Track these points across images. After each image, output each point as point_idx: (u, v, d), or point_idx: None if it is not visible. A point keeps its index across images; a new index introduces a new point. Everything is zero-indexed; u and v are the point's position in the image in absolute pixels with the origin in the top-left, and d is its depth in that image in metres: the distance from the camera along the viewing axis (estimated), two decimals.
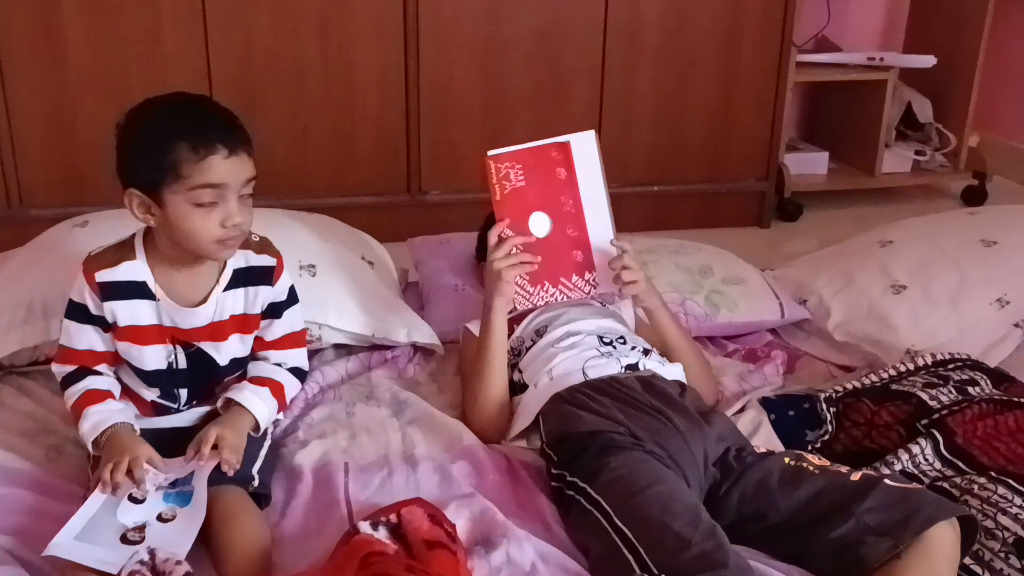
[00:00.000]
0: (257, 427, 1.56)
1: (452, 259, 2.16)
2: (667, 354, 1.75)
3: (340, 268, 1.96)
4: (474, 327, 1.84)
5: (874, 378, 1.79)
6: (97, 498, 1.38)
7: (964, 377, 1.74)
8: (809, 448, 1.66)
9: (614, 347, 1.69)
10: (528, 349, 1.75)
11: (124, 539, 1.32)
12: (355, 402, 1.76)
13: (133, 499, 1.38)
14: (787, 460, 1.46)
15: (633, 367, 1.65)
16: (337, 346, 1.94)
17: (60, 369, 1.55)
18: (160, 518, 1.36)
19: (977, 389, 1.71)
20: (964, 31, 3.57)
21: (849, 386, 1.77)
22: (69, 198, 2.86)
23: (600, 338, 1.71)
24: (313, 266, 1.92)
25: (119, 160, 1.47)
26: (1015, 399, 1.66)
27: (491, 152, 1.69)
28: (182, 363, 1.55)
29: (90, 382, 1.53)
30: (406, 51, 2.96)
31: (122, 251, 1.53)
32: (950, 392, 1.68)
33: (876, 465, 1.56)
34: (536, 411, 1.63)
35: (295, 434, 1.67)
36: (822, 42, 3.73)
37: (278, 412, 1.63)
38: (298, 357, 1.65)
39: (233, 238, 1.46)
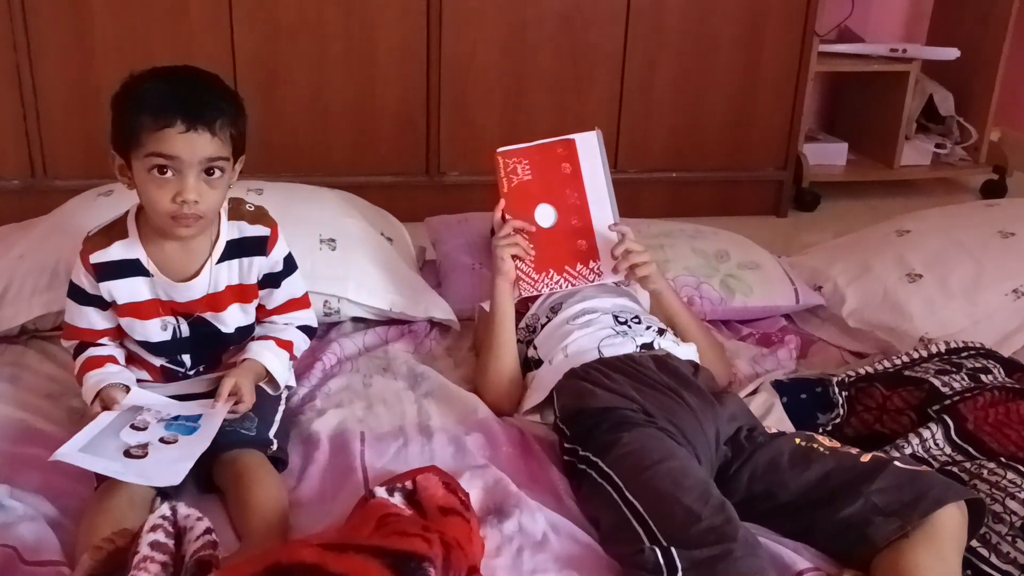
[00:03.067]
0: (270, 377, 1.58)
1: (470, 237, 2.18)
2: (679, 335, 1.77)
3: (360, 243, 1.99)
4: (487, 306, 1.87)
5: (887, 364, 1.80)
6: (103, 418, 1.44)
7: (977, 365, 1.75)
8: (820, 431, 1.68)
9: (629, 326, 1.71)
10: (543, 326, 1.78)
11: (127, 454, 1.38)
12: (372, 374, 1.78)
13: (136, 427, 1.44)
14: (798, 440, 1.47)
15: (648, 346, 1.67)
16: (355, 319, 1.97)
17: (67, 344, 1.60)
18: (162, 441, 1.42)
19: (990, 377, 1.72)
20: (988, 24, 3.56)
21: (862, 371, 1.78)
22: (92, 169, 2.87)
23: (615, 317, 1.73)
24: (333, 240, 1.95)
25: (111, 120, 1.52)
26: None
27: (500, 149, 1.80)
28: (184, 332, 1.58)
29: (90, 352, 1.57)
30: (428, 30, 2.98)
31: (114, 231, 1.56)
32: (963, 379, 1.69)
33: (886, 448, 1.57)
34: (550, 387, 1.65)
35: (312, 403, 1.70)
36: (844, 32, 3.72)
37: (290, 361, 1.64)
38: (304, 317, 1.67)
39: (187, 217, 1.46)
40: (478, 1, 2.98)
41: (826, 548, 1.35)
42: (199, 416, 1.48)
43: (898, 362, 1.80)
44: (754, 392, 1.79)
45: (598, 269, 1.78)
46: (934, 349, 1.82)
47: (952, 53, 3.50)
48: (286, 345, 1.62)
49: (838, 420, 1.69)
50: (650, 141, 3.22)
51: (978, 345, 1.84)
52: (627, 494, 1.35)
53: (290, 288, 1.64)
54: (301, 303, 1.66)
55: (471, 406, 1.67)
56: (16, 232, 2.02)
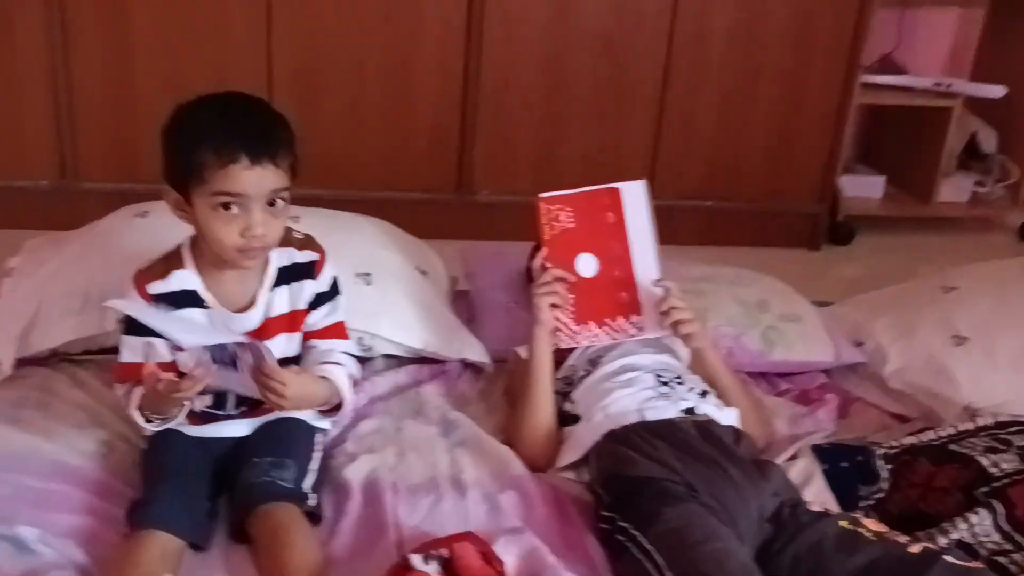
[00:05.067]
0: (336, 398, 1.56)
1: (505, 273, 2.15)
2: (720, 395, 1.73)
3: (395, 278, 1.96)
4: (523, 351, 1.85)
5: (932, 435, 1.77)
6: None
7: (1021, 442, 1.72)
8: (861, 504, 1.65)
9: (671, 387, 1.68)
10: (581, 379, 1.74)
11: None
12: (404, 417, 1.76)
13: None
14: (843, 523, 1.44)
15: (690, 411, 1.63)
16: (387, 356, 1.94)
17: (121, 389, 1.54)
18: None
19: None
20: None
21: (906, 442, 1.75)
22: (122, 173, 2.88)
23: (657, 376, 1.70)
24: (368, 274, 1.92)
25: (162, 155, 1.50)
26: None
27: (542, 195, 1.76)
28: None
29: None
30: (468, 48, 2.95)
31: (171, 261, 1.55)
32: (1012, 459, 1.66)
33: (932, 532, 1.54)
34: (588, 446, 1.63)
35: (343, 446, 1.68)
36: (887, 63, 3.66)
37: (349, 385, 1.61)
38: (347, 346, 1.65)
39: (254, 249, 1.47)
40: (520, 19, 2.95)
41: None
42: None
43: (943, 434, 1.77)
44: (793, 457, 1.75)
45: (640, 323, 1.75)
46: (981, 422, 1.79)
47: (998, 91, 3.44)
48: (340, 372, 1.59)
49: (881, 495, 1.66)
50: (687, 168, 3.19)
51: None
52: (669, 574, 1.32)
53: (332, 308, 1.63)
54: (340, 330, 1.64)
55: (505, 460, 1.64)
56: (48, 247, 2.00)
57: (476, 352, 1.92)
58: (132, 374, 1.51)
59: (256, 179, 1.42)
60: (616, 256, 1.76)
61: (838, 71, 3.17)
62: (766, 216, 3.33)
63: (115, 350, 1.78)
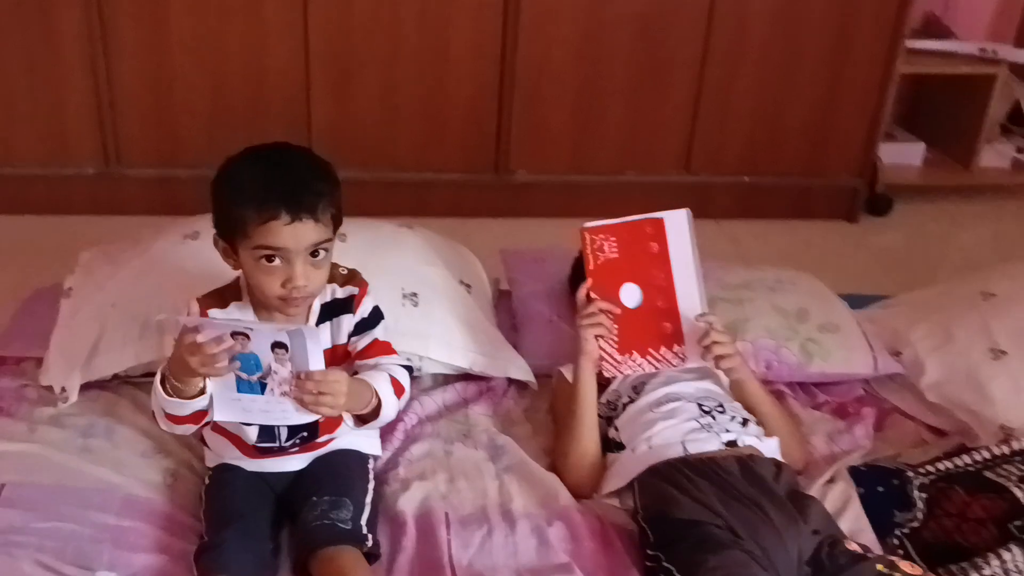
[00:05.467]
0: (378, 404, 1.58)
1: (547, 283, 2.18)
2: (760, 422, 1.78)
3: (441, 296, 2.00)
4: (567, 371, 1.89)
5: (967, 460, 1.81)
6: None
7: None
8: (896, 532, 1.70)
9: (714, 418, 1.73)
10: (625, 406, 1.79)
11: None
12: (453, 440, 1.82)
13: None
14: (880, 567, 1.49)
15: (732, 443, 1.68)
16: (433, 373, 2.00)
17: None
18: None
19: None
20: None
21: (941, 468, 1.79)
22: (165, 159, 2.92)
23: (700, 406, 1.74)
24: (415, 295, 1.96)
25: (211, 205, 1.56)
26: None
27: (587, 224, 1.79)
28: None
29: None
30: (504, 28, 2.93)
31: (230, 292, 1.62)
32: None
33: (965, 567, 1.59)
34: (632, 475, 1.69)
35: (396, 471, 1.74)
36: (931, 24, 3.59)
37: (398, 396, 1.64)
38: (395, 360, 1.68)
39: (296, 299, 1.52)
40: (555, 1, 2.91)
41: None
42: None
43: (979, 459, 1.81)
44: (831, 480, 1.80)
45: (682, 353, 1.78)
46: (1016, 446, 1.82)
47: None
48: (396, 383, 1.62)
49: (916, 524, 1.71)
50: (725, 144, 3.19)
51: None
52: None
53: (375, 332, 1.67)
54: (386, 347, 1.68)
55: (552, 490, 1.70)
56: (103, 265, 2.04)
57: (521, 371, 1.97)
58: None
59: (296, 234, 1.47)
60: (659, 286, 1.79)
61: (882, 40, 3.13)
62: (804, 190, 3.32)
63: None
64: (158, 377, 1.51)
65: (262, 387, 1.45)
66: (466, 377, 1.99)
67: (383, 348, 1.65)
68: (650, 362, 1.79)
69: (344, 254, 1.70)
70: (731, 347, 1.76)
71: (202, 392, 1.48)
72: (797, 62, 3.09)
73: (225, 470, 1.64)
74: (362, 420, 1.60)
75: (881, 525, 1.72)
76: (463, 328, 1.98)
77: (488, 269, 2.32)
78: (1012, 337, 2.06)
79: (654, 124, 3.11)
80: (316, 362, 1.43)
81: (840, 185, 3.33)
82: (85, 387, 1.85)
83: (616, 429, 1.78)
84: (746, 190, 3.26)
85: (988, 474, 1.76)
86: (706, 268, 1.82)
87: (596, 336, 1.76)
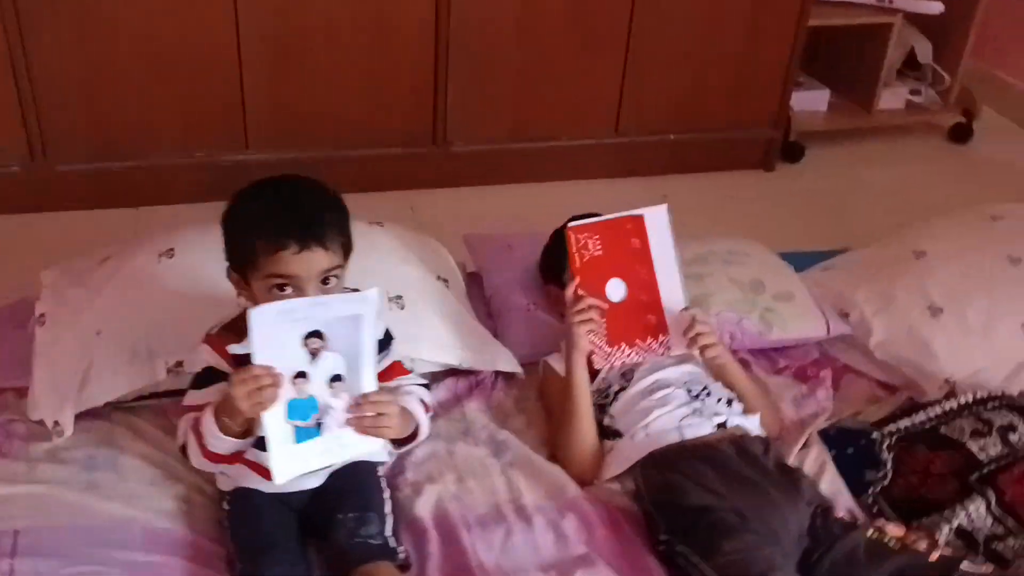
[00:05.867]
0: (416, 427, 1.63)
1: (519, 271, 2.21)
2: (741, 400, 1.88)
3: (424, 296, 2.02)
4: (555, 362, 1.96)
5: (923, 417, 1.96)
6: (271, 420, 1.43)
7: (1004, 423, 1.92)
8: (870, 491, 1.84)
9: (703, 401, 1.82)
10: (616, 394, 1.87)
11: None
12: (454, 439, 1.86)
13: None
14: (870, 533, 1.63)
15: (723, 425, 1.78)
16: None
17: (184, 425, 1.60)
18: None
19: (1015, 435, 1.90)
20: None
21: (902, 426, 1.94)
22: (96, 151, 2.79)
23: (688, 390, 1.84)
24: (400, 297, 1.97)
25: (223, 239, 1.57)
26: None
27: (571, 224, 1.85)
28: None
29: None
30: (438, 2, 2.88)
31: (243, 324, 1.57)
32: (996, 443, 1.87)
33: (935, 518, 1.75)
34: (632, 461, 1.77)
35: (404, 475, 1.78)
36: None
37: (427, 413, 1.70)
38: (411, 378, 1.73)
39: None
40: None
41: None
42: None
43: (933, 415, 1.96)
44: (805, 446, 1.93)
45: (667, 343, 1.87)
46: (963, 400, 1.99)
47: (936, 7, 3.53)
48: (424, 404, 1.67)
49: (886, 481, 1.85)
50: (652, 105, 3.26)
51: (1000, 395, 2.01)
52: None
53: (388, 355, 1.69)
54: (401, 368, 1.71)
55: (559, 482, 1.77)
56: (71, 286, 1.96)
57: (508, 363, 2.02)
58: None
59: (305, 263, 1.48)
60: (642, 280, 1.87)
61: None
62: (726, 143, 3.43)
63: (166, 395, 1.85)
64: (208, 414, 1.50)
65: (318, 426, 1.46)
66: (453, 373, 2.02)
67: (400, 369, 1.67)
68: (637, 352, 1.86)
69: None
70: (714, 336, 1.85)
71: (249, 432, 1.49)
72: (718, 21, 3.15)
73: (244, 495, 1.64)
74: (401, 443, 1.62)
75: (855, 484, 1.86)
76: (449, 326, 2.00)
77: (448, 248, 2.33)
78: (946, 295, 2.22)
79: (586, 89, 3.13)
80: (370, 382, 1.45)
81: (758, 136, 3.45)
82: (76, 417, 1.80)
83: (611, 417, 1.85)
84: (672, 147, 3.34)
85: (944, 430, 1.93)
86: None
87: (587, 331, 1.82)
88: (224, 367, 1.55)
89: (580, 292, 1.83)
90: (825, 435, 1.97)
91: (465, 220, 2.93)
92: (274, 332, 1.39)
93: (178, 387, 1.83)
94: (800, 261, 2.48)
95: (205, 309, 1.83)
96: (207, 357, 1.57)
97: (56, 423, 1.77)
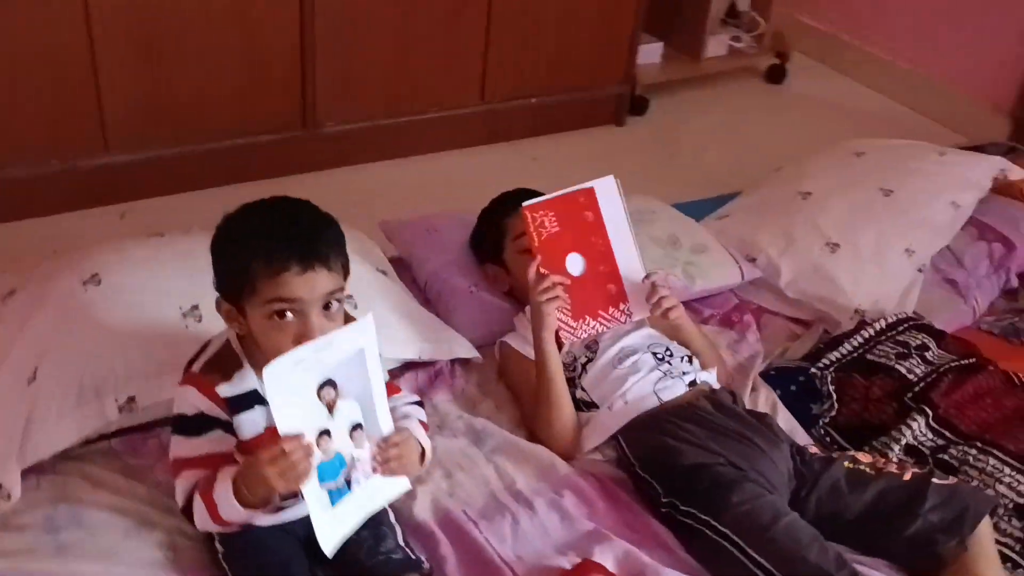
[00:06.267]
0: (423, 451, 1.53)
1: (451, 253, 2.15)
2: (695, 355, 1.92)
3: (373, 292, 1.92)
4: (513, 342, 1.93)
5: (848, 347, 2.09)
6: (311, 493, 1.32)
7: (917, 343, 2.09)
8: (819, 423, 1.95)
9: (669, 363, 1.85)
10: (584, 366, 1.87)
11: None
12: (432, 435, 1.79)
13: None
14: (847, 464, 1.73)
15: (692, 383, 1.83)
16: None
17: (184, 484, 1.44)
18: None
19: (930, 353, 2.07)
20: None
21: (833, 358, 2.06)
22: None
23: (654, 354, 1.86)
24: (351, 296, 1.85)
25: (213, 266, 1.43)
26: (962, 362, 2.03)
27: (526, 203, 1.81)
28: None
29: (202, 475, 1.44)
30: None
31: (229, 360, 1.45)
32: (917, 363, 2.02)
33: (885, 440, 1.87)
34: (612, 430, 1.79)
35: None
36: None
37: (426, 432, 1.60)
38: (403, 397, 1.63)
39: None
40: None
41: (896, 562, 1.64)
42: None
43: (856, 343, 2.09)
44: (753, 389, 2.01)
45: (628, 310, 1.87)
46: (878, 326, 2.13)
47: None
48: (424, 425, 1.58)
49: (833, 412, 1.96)
50: (514, 71, 3.22)
51: (904, 316, 2.17)
52: (752, 554, 1.54)
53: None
54: (392, 387, 1.62)
55: (546, 461, 1.75)
56: None
57: (465, 349, 1.96)
58: (201, 464, 1.43)
59: (309, 283, 1.36)
60: (599, 251, 1.86)
61: None
62: (582, 102, 3.45)
63: (115, 434, 1.67)
64: (225, 485, 1.36)
65: (347, 483, 1.36)
66: (411, 366, 1.94)
67: (392, 389, 1.59)
68: (601, 323, 1.86)
69: None
70: (674, 299, 1.87)
71: (269, 500, 1.38)
72: None
73: (239, 534, 1.51)
74: None
75: (804, 419, 1.97)
76: (402, 319, 1.92)
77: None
78: (838, 230, 2.36)
79: (452, 60, 3.06)
80: (387, 422, 1.37)
81: (610, 93, 3.50)
82: (22, 475, 1.58)
83: (583, 390, 1.85)
84: (534, 110, 3.33)
85: (871, 357, 2.06)
86: None
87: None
88: (216, 412, 1.41)
89: (543, 270, 1.81)
90: (766, 376, 2.06)
91: (345, 203, 2.82)
92: (290, 387, 1.27)
93: (130, 424, 1.67)
94: (689, 211, 2.56)
95: (150, 337, 1.68)
96: (195, 401, 1.41)
97: (0, 486, 1.55)
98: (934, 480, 1.68)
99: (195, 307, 1.71)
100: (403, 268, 2.20)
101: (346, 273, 1.45)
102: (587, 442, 1.81)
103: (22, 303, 1.72)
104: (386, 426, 1.39)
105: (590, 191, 1.86)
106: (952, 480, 1.72)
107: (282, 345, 1.37)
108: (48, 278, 1.75)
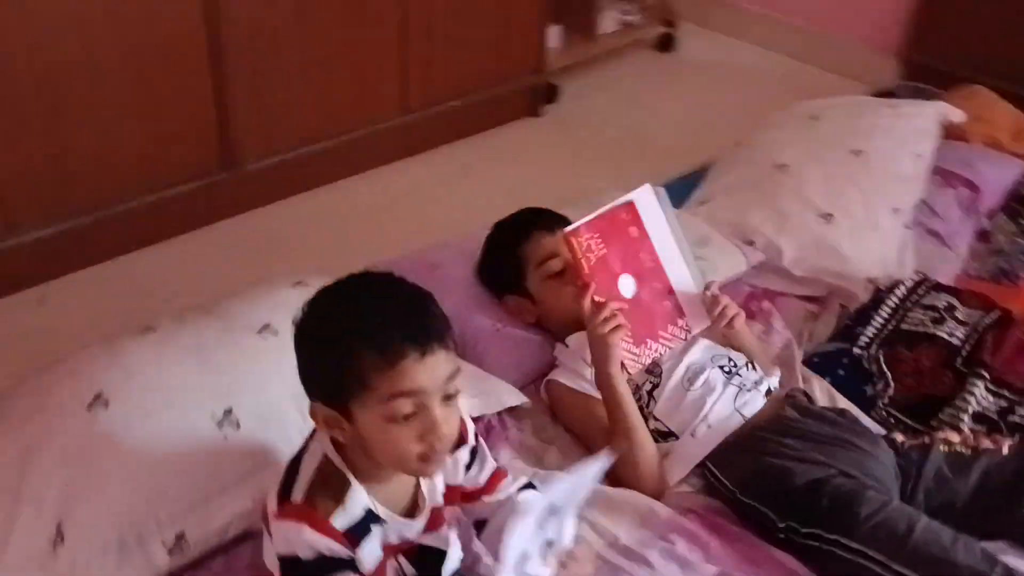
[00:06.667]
0: None
1: (462, 291, 1.91)
2: (755, 359, 1.79)
3: None
4: (562, 378, 1.75)
5: (880, 321, 2.00)
6: None
7: (944, 304, 2.02)
8: (878, 404, 1.86)
9: (739, 375, 1.71)
10: (650, 393, 1.70)
11: None
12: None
13: None
14: (943, 448, 1.64)
15: (768, 392, 1.69)
16: None
17: None
18: None
19: (959, 312, 2.00)
20: None
21: (870, 335, 1.97)
22: None
23: (720, 368, 1.71)
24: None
25: (300, 367, 1.18)
26: (992, 316, 1.98)
27: (568, 228, 1.63)
28: (409, 570, 1.29)
29: None
30: (206, 12, 2.36)
31: (334, 481, 1.20)
32: (954, 325, 1.96)
33: (952, 413, 1.79)
34: (698, 459, 1.63)
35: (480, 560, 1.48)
36: None
37: None
38: (517, 482, 1.42)
39: (439, 452, 1.19)
40: None
41: (1018, 541, 1.56)
42: None
43: (886, 315, 2.01)
44: (805, 382, 1.90)
45: (686, 325, 1.72)
46: (900, 294, 2.06)
47: None
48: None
49: (890, 390, 1.87)
50: (434, 77, 2.98)
51: (920, 278, 2.12)
52: (897, 567, 1.41)
53: (485, 457, 1.39)
54: (502, 471, 1.41)
55: (643, 507, 1.57)
56: None
57: (514, 396, 1.75)
58: None
59: (430, 370, 1.14)
60: (649, 268, 1.70)
61: None
62: (499, 99, 3.25)
63: None
64: None
65: None
66: None
67: (501, 474, 1.38)
68: (663, 344, 1.70)
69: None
70: (735, 308, 1.73)
71: None
72: None
73: None
74: None
75: (861, 403, 1.86)
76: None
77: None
78: (826, 199, 2.28)
79: (370, 74, 2.80)
80: (569, 530, 1.18)
81: (525, 84, 3.32)
82: None
83: (656, 419, 1.68)
84: (455, 114, 3.10)
85: (905, 327, 1.99)
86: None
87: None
88: (338, 550, 1.15)
89: (596, 299, 1.62)
90: (810, 364, 1.95)
91: (282, 240, 2.58)
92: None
93: (182, 563, 1.38)
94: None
95: (185, 459, 1.40)
96: (313, 542, 1.14)
97: None
98: None
99: (228, 412, 1.43)
100: None
101: (458, 349, 1.22)
102: (672, 475, 1.65)
103: (18, 442, 1.38)
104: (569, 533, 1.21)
105: (630, 205, 1.68)
106: None
107: (404, 447, 1.15)
108: (39, 409, 1.41)
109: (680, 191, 2.51)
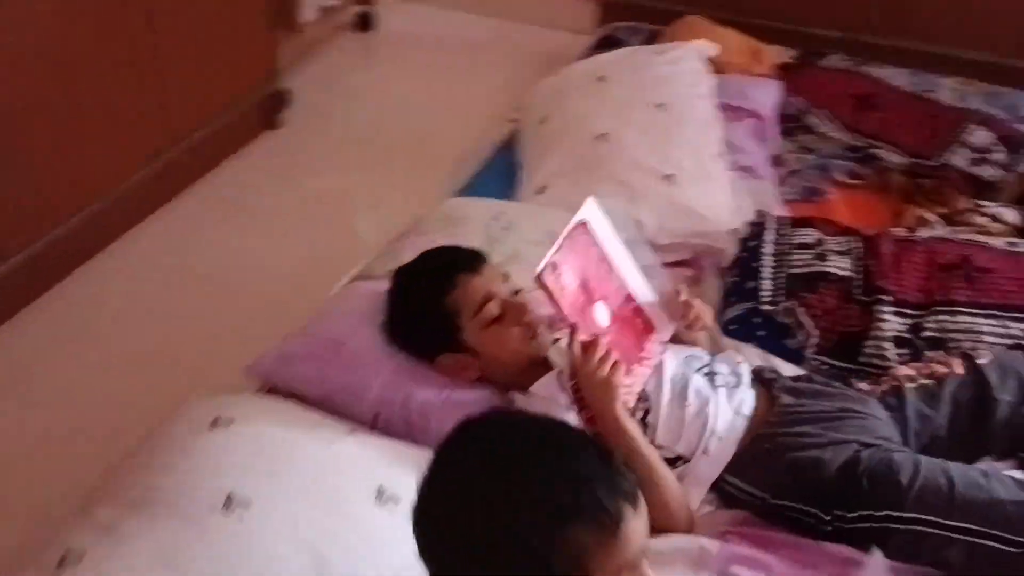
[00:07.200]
0: None
1: (387, 367, 1.55)
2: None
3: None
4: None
5: (768, 271, 1.95)
6: None
7: (811, 239, 2.02)
8: (805, 355, 1.81)
9: (718, 373, 1.57)
10: (643, 420, 1.50)
11: None
12: None
13: None
14: (910, 386, 1.61)
15: (749, 384, 1.57)
16: None
17: None
18: None
19: (821, 247, 1.99)
20: None
21: (767, 287, 1.91)
22: None
23: (699, 370, 1.56)
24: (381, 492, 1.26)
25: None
26: (853, 239, 2.01)
27: (538, 268, 1.38)
28: None
29: None
30: None
31: None
32: (835, 257, 1.96)
33: (874, 344, 1.80)
34: (715, 476, 1.49)
35: None
36: None
37: None
38: None
39: None
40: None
41: (1003, 458, 1.58)
42: None
43: (769, 264, 1.97)
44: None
45: (659, 337, 1.55)
46: (770, 238, 2.03)
47: None
48: None
49: (816, 340, 1.83)
50: (171, 117, 2.45)
51: (759, 219, 2.10)
52: (953, 523, 1.36)
53: None
54: None
55: (692, 549, 1.39)
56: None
57: None
58: None
59: (642, 527, 0.91)
60: (615, 288, 1.51)
61: None
62: (243, 119, 2.77)
63: None
64: None
65: None
66: None
67: None
68: (646, 364, 1.51)
69: None
70: (703, 307, 1.59)
71: None
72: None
73: None
74: None
75: (790, 358, 1.81)
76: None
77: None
78: (660, 160, 2.17)
79: (125, 125, 2.24)
80: None
81: (262, 97, 2.88)
82: None
83: (660, 447, 1.49)
84: (202, 144, 2.60)
85: (795, 271, 1.95)
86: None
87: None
88: None
89: (584, 338, 1.38)
90: (729, 333, 1.86)
91: (73, 330, 2.08)
92: None
93: None
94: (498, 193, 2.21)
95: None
96: None
97: None
98: (978, 362, 1.65)
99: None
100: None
101: None
102: (692, 500, 1.48)
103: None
104: None
105: (583, 224, 1.46)
106: (986, 357, 1.68)
107: None
108: (166, 516, 0.97)
109: (483, 188, 2.30)
